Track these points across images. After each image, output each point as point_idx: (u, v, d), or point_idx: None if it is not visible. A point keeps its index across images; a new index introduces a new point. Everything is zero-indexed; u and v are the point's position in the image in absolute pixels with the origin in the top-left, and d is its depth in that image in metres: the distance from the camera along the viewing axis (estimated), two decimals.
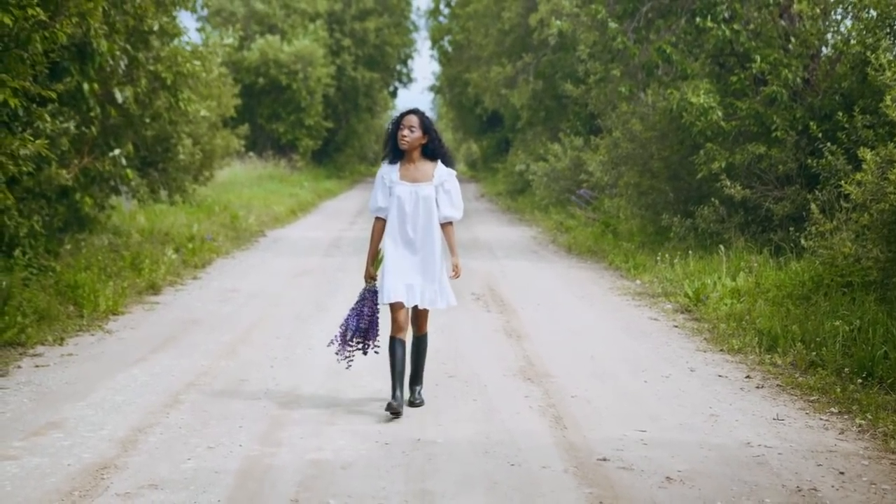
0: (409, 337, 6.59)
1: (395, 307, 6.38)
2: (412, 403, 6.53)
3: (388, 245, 6.45)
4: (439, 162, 6.52)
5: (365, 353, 6.62)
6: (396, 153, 6.49)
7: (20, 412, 6.30)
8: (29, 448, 5.54)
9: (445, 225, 6.56)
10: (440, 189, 6.47)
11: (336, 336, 6.61)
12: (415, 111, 6.45)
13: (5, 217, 9.34)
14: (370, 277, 6.55)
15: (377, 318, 6.56)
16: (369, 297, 6.53)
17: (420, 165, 6.49)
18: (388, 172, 6.51)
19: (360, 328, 6.51)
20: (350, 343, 6.53)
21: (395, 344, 6.42)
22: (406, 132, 6.39)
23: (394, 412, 6.25)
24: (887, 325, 7.69)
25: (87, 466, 5.25)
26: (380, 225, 6.56)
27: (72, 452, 5.48)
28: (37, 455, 5.42)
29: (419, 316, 6.57)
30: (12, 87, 8.28)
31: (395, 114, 6.71)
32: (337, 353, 6.59)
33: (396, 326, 6.41)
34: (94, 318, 9.44)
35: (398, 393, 6.35)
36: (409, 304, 6.39)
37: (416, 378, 6.65)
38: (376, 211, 6.56)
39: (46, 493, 4.84)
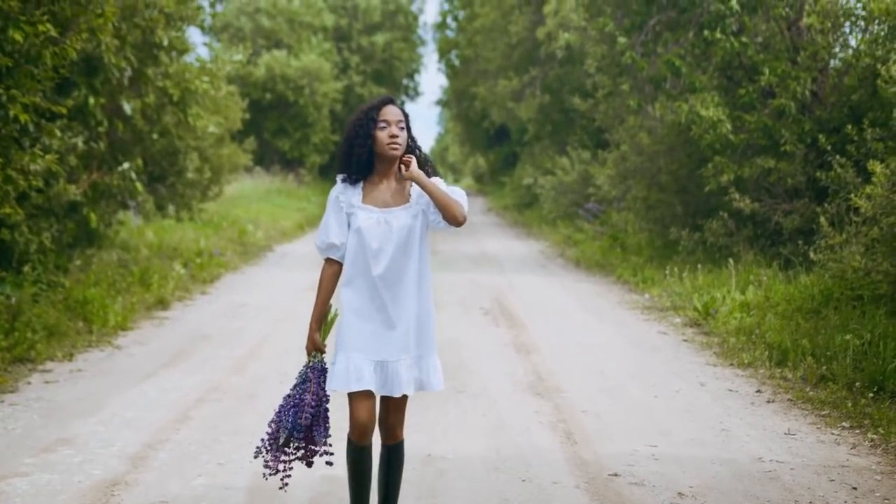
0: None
1: (357, 399, 4.25)
2: None
3: (346, 302, 4.29)
4: None
5: (310, 465, 4.39)
6: (363, 167, 4.30)
7: (30, 428, 6.30)
8: (39, 465, 5.54)
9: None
10: (425, 209, 4.31)
11: (263, 440, 4.31)
12: (393, 101, 4.33)
13: (15, 233, 9.37)
14: (315, 348, 4.36)
15: (326, 408, 4.33)
16: (314, 377, 4.31)
17: (395, 183, 4.34)
18: (344, 193, 4.31)
19: (298, 426, 4.24)
20: (286, 450, 4.29)
21: (357, 454, 4.33)
22: (395, 130, 4.23)
23: None
24: None
25: (97, 483, 5.24)
26: (331, 271, 4.36)
27: (82, 469, 5.47)
28: (47, 472, 5.41)
29: (393, 411, 4.38)
30: (23, 102, 8.33)
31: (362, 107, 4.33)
32: (267, 467, 4.28)
33: (358, 427, 4.27)
34: (104, 333, 9.45)
35: None
36: (381, 392, 4.28)
37: None
38: (327, 249, 4.33)
39: None
